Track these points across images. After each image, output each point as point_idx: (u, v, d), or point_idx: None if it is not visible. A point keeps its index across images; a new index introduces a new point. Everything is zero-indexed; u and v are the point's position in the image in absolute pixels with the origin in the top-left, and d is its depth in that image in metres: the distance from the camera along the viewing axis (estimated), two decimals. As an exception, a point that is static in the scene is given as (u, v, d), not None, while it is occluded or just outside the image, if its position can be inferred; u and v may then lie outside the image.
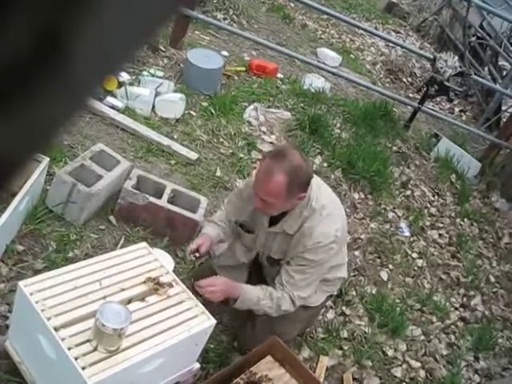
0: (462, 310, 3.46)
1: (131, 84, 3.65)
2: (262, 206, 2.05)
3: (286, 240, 2.17)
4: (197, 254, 2.25)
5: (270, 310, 2.18)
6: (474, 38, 6.28)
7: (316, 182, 2.17)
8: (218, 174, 3.36)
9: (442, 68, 4.29)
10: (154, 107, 3.61)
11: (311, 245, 2.07)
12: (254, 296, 2.15)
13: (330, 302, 2.97)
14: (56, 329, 1.70)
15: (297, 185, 1.97)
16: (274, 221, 2.19)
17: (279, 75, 4.71)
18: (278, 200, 1.99)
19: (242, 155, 3.58)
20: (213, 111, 3.82)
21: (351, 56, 6.12)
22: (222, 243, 2.48)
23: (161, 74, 3.92)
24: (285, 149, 2.07)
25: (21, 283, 1.80)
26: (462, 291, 3.59)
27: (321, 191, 2.16)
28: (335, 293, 2.62)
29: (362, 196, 3.80)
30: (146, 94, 3.58)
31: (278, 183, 1.94)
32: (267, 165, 2.00)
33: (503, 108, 5.81)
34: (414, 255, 3.64)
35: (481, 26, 6.39)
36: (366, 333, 2.89)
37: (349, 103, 4.64)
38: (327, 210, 2.11)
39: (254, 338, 2.30)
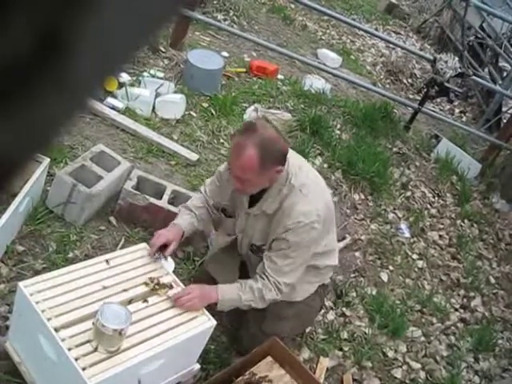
0: (462, 311, 3.46)
1: (132, 85, 3.65)
2: (239, 184, 2.00)
3: (267, 222, 2.09)
4: (161, 255, 2.12)
5: (255, 304, 2.10)
6: (473, 38, 6.28)
7: (297, 161, 2.11)
8: (219, 174, 3.36)
9: (442, 69, 4.29)
10: (154, 108, 3.61)
11: (291, 224, 2.00)
12: (234, 293, 2.07)
13: (330, 303, 2.97)
14: (56, 329, 1.70)
15: (270, 157, 1.91)
16: (253, 201, 2.11)
17: (279, 76, 4.71)
18: (252, 175, 1.93)
19: (242, 156, 3.58)
20: (213, 112, 3.83)
21: (351, 57, 6.12)
22: (199, 230, 2.39)
23: (161, 74, 3.92)
24: (255, 122, 1.99)
25: (21, 284, 1.80)
26: (462, 292, 3.58)
27: (301, 170, 2.09)
28: (327, 281, 2.46)
29: (363, 197, 3.81)
30: (147, 94, 3.58)
31: (250, 157, 1.88)
32: (237, 140, 1.95)
33: (503, 109, 5.80)
34: (415, 256, 3.64)
35: (481, 27, 6.39)
36: (366, 334, 2.88)
37: (349, 104, 4.64)
38: (307, 189, 2.04)
39: (249, 337, 2.28)
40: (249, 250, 2.23)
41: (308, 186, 2.05)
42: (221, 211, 2.29)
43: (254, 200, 2.11)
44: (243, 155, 1.89)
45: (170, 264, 2.30)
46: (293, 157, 2.10)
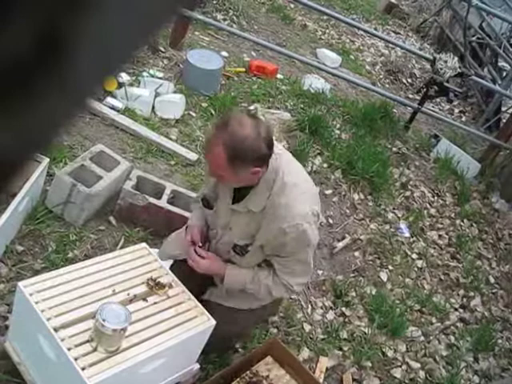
0: (461, 310, 3.46)
1: (131, 85, 3.65)
2: (217, 179, 1.94)
3: (253, 220, 1.96)
4: (197, 249, 2.08)
5: (258, 295, 2.08)
6: (473, 38, 6.28)
7: (289, 158, 2.03)
8: (218, 174, 3.35)
9: (441, 69, 4.29)
10: (153, 108, 3.61)
11: (288, 227, 1.88)
12: (240, 279, 2.05)
13: (329, 303, 2.97)
14: (56, 329, 1.70)
15: (239, 157, 1.77)
16: (238, 197, 1.98)
17: (279, 76, 4.71)
18: (224, 173, 1.83)
19: (241, 156, 3.58)
20: (212, 112, 3.83)
21: (351, 57, 6.12)
22: None
23: (161, 74, 3.92)
24: (231, 117, 1.84)
25: (20, 284, 1.80)
26: (461, 292, 3.59)
27: (295, 167, 2.02)
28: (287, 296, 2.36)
29: (362, 197, 3.81)
30: (146, 94, 3.58)
31: (217, 155, 1.78)
32: (210, 134, 1.89)
33: (503, 109, 5.81)
34: (414, 256, 3.64)
35: (480, 27, 6.39)
36: (365, 333, 2.89)
37: (348, 104, 4.64)
38: (302, 187, 1.95)
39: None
40: (232, 250, 2.08)
41: (301, 183, 1.98)
42: (201, 200, 2.16)
43: (238, 196, 1.99)
44: (212, 152, 1.81)
45: (169, 264, 2.30)
46: (285, 153, 2.03)
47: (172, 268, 2.18)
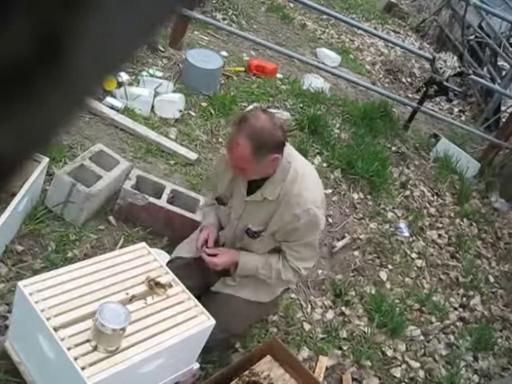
0: (461, 310, 3.46)
1: (130, 84, 3.65)
2: (238, 173, 2.08)
3: (269, 208, 2.12)
4: (207, 250, 2.21)
5: (269, 280, 2.23)
6: (472, 37, 6.28)
7: (292, 150, 2.19)
8: (218, 174, 3.35)
9: (441, 68, 4.29)
10: (153, 107, 3.61)
11: (301, 213, 2.05)
12: (253, 265, 2.20)
13: (329, 302, 2.97)
14: (55, 329, 1.70)
15: (262, 147, 1.94)
16: (252, 189, 2.14)
17: (278, 75, 4.71)
18: (248, 165, 1.98)
19: (241, 155, 3.57)
20: (212, 111, 3.82)
21: (350, 56, 6.12)
22: None
23: (160, 74, 3.92)
24: (248, 113, 2.04)
25: (20, 283, 1.80)
26: (461, 291, 3.59)
27: (301, 158, 2.21)
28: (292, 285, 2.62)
29: (362, 196, 3.81)
30: (146, 94, 3.58)
31: (243, 148, 1.93)
32: (231, 132, 2.05)
33: (502, 108, 5.81)
34: (414, 255, 3.64)
35: (480, 26, 6.39)
36: (365, 333, 2.89)
37: (348, 103, 4.65)
38: (311, 176, 2.15)
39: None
40: (244, 233, 2.23)
41: (309, 173, 2.17)
42: (216, 200, 2.31)
43: (252, 188, 2.14)
44: (236, 148, 1.96)
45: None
46: (289, 147, 2.18)
47: (171, 265, 2.20)
